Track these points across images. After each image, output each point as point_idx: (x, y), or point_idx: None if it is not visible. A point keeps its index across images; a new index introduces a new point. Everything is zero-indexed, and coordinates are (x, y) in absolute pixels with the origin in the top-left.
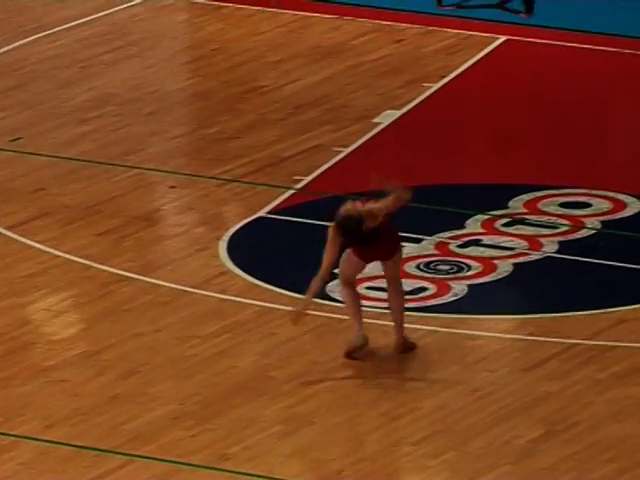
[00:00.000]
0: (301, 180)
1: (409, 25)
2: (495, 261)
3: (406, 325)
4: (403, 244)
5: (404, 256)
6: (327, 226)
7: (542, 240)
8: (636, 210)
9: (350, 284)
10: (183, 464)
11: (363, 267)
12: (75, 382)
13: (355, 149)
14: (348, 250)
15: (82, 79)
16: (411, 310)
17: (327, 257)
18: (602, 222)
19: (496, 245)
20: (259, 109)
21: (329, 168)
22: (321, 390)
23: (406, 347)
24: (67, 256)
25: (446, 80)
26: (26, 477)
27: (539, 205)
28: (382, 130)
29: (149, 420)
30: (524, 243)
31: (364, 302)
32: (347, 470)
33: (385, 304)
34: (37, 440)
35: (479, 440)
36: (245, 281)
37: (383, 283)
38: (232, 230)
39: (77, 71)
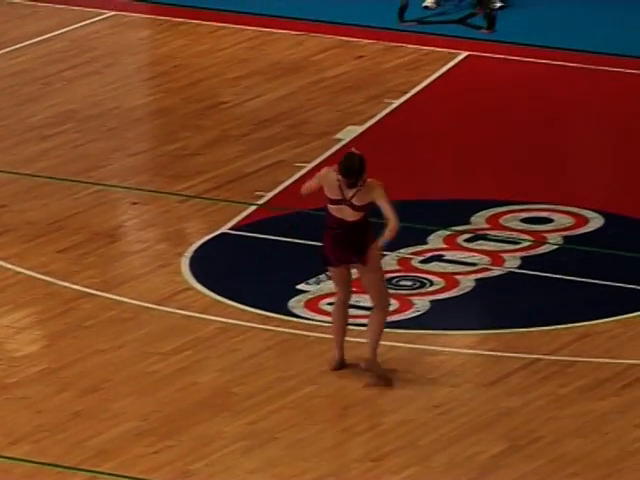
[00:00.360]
0: (263, 196)
1: (370, 41)
2: (457, 277)
3: (367, 341)
4: None
5: None
6: (288, 242)
7: (504, 255)
8: (598, 225)
9: (340, 302)
10: None
11: (343, 274)
12: (37, 399)
13: (317, 165)
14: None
15: (43, 96)
16: None
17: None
18: (564, 237)
19: (458, 261)
20: (221, 125)
21: (291, 184)
22: (283, 406)
23: (375, 370)
24: (29, 273)
25: (408, 96)
26: None
27: (501, 220)
28: (343, 146)
29: (111, 437)
30: (486, 258)
31: (323, 317)
32: None
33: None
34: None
35: (442, 455)
36: (207, 297)
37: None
38: (194, 246)
39: (38, 88)
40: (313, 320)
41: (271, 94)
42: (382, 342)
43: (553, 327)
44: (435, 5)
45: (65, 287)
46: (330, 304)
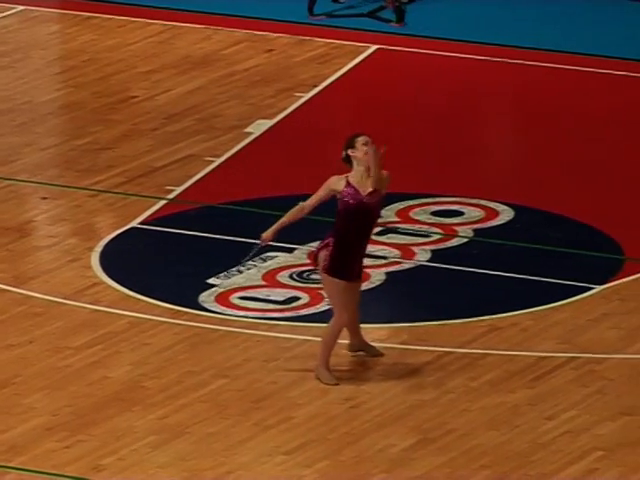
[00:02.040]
0: (173, 190)
1: (280, 34)
2: (368, 270)
3: (278, 335)
4: (277, 254)
5: (277, 265)
6: (199, 236)
7: (414, 249)
8: (508, 218)
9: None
10: (57, 475)
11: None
12: None
13: (227, 159)
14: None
15: None
16: (284, 320)
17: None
18: (474, 230)
19: (369, 254)
20: (131, 119)
21: (201, 178)
22: (194, 400)
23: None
24: None
25: (318, 89)
26: None
27: (411, 214)
28: (254, 139)
29: (22, 431)
30: (396, 252)
31: (234, 311)
32: None
33: (255, 313)
34: None
35: (352, 449)
36: (118, 292)
37: (256, 293)
38: (105, 241)
39: None
40: (224, 314)
41: (181, 88)
42: (292, 335)
43: (464, 320)
44: None
45: None
46: (242, 298)
